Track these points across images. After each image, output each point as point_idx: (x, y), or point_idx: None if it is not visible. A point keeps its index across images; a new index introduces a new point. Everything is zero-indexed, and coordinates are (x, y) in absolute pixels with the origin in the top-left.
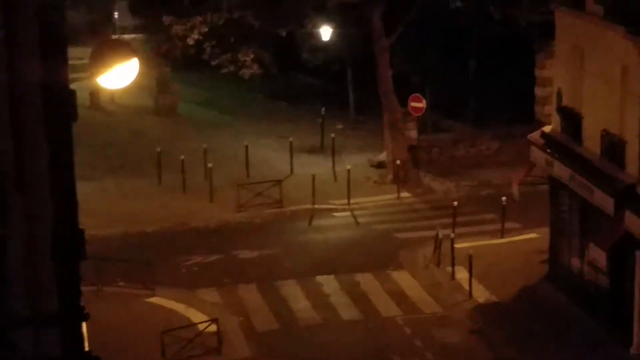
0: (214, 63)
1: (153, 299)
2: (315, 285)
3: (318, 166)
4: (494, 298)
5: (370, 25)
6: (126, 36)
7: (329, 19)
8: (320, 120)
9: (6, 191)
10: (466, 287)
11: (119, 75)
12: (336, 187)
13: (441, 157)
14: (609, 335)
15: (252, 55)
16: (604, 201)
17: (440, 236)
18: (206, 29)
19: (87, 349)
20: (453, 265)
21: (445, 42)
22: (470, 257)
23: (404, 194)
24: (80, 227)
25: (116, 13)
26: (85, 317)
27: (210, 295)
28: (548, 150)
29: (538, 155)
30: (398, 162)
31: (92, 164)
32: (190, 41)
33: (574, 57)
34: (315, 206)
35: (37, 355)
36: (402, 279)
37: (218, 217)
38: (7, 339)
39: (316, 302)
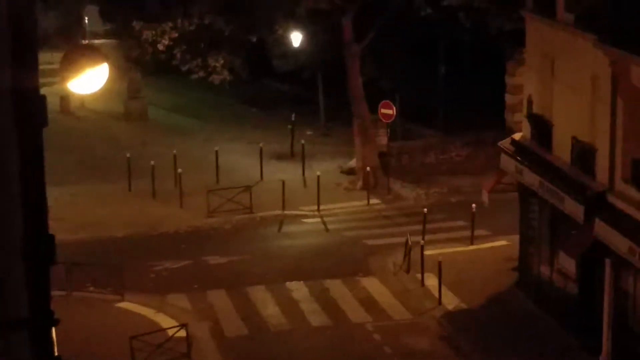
0: (184, 69)
1: (122, 304)
2: (284, 291)
3: (288, 172)
4: (463, 305)
5: (340, 32)
6: (96, 41)
7: (299, 25)
8: (290, 126)
9: None
10: (435, 294)
11: (89, 81)
12: (306, 193)
13: (411, 163)
14: (578, 343)
15: (222, 61)
16: (574, 209)
17: (409, 243)
18: (176, 35)
19: (56, 353)
20: (422, 272)
21: (415, 49)
22: (439, 264)
23: (374, 201)
24: (50, 232)
25: (86, 18)
26: (55, 322)
27: (180, 300)
28: (518, 158)
29: (508, 163)
30: (368, 168)
31: (63, 169)
32: (161, 46)
33: (544, 65)
34: (285, 212)
35: None
36: (372, 285)
37: (188, 222)
38: None
39: (286, 308)
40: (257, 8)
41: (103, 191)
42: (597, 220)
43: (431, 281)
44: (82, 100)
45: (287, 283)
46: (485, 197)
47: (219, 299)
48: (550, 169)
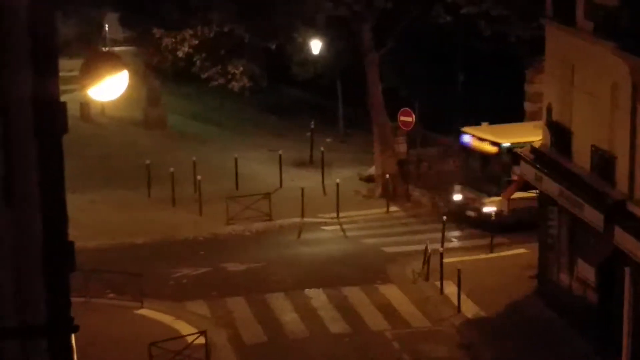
0: (203, 76)
1: (141, 311)
2: (303, 299)
3: (307, 179)
4: (482, 313)
5: (359, 39)
6: (116, 48)
7: (318, 33)
8: (309, 133)
9: None
10: (454, 301)
11: (109, 88)
12: (325, 200)
13: (430, 171)
14: (597, 352)
15: (241, 68)
16: (594, 217)
17: (429, 250)
18: (196, 42)
19: None
20: (442, 279)
21: (434, 57)
22: (459, 271)
23: (393, 208)
24: (70, 239)
25: (106, 25)
26: (75, 329)
27: (199, 307)
28: (537, 166)
29: (527, 171)
30: (387, 176)
31: (82, 176)
32: (180, 54)
33: (563, 73)
34: (304, 219)
35: None
36: (391, 292)
37: (207, 229)
38: None
39: (304, 315)
40: (277, 15)
41: (123, 198)
42: (616, 228)
43: (450, 289)
44: (102, 107)
45: (306, 290)
46: (504, 205)
47: (238, 306)
48: (569, 177)
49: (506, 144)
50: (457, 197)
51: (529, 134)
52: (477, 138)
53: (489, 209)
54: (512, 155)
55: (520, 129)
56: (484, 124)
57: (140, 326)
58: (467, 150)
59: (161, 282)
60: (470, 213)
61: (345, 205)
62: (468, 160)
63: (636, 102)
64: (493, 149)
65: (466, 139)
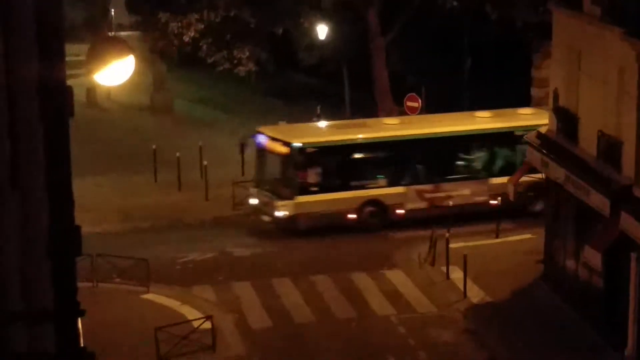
0: (210, 61)
1: (148, 296)
2: (309, 283)
3: None
4: (488, 298)
5: (366, 24)
6: (123, 33)
7: (325, 18)
8: (315, 119)
9: (2, 188)
10: (460, 286)
11: (116, 72)
12: None
13: None
14: (603, 337)
15: (247, 53)
16: (600, 202)
17: (435, 235)
18: (202, 27)
19: (82, 344)
20: (448, 264)
21: (441, 42)
22: (465, 256)
23: None
24: (76, 223)
25: (113, 10)
26: (81, 313)
27: (205, 292)
28: (544, 151)
29: (534, 156)
30: None
31: (89, 161)
32: (187, 38)
33: (570, 58)
34: None
35: (31, 351)
36: (397, 278)
37: (213, 214)
38: (1, 334)
39: (310, 300)
40: (283, 0)
41: (129, 183)
42: (623, 213)
43: (456, 274)
44: (109, 92)
45: (312, 275)
46: (510, 190)
47: (244, 290)
48: (576, 162)
49: (297, 144)
50: (253, 200)
51: (327, 134)
52: (271, 138)
53: (281, 212)
54: (306, 156)
55: (317, 129)
56: (281, 123)
57: (147, 311)
58: (261, 151)
59: (167, 266)
60: (265, 217)
61: None
62: (262, 161)
63: None
64: (285, 150)
65: (260, 139)
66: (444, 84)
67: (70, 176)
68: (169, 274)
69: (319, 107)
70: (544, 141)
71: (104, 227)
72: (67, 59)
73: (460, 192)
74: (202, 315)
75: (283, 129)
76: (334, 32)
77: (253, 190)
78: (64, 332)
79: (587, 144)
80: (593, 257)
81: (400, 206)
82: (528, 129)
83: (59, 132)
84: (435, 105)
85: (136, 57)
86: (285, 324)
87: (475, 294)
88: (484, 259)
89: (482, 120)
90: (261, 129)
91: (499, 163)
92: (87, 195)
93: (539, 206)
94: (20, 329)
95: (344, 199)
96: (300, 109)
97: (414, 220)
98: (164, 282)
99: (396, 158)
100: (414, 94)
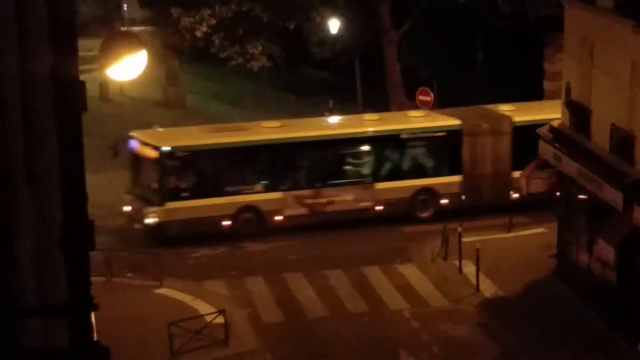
0: (222, 55)
1: (161, 290)
2: (322, 278)
3: None
4: (500, 292)
5: (378, 19)
6: (135, 28)
7: (337, 12)
8: (328, 113)
9: (15, 183)
10: (473, 281)
11: (128, 67)
12: None
13: None
14: (616, 331)
15: (260, 48)
16: (613, 196)
17: (447, 230)
18: (214, 22)
19: (95, 339)
20: (460, 259)
21: (453, 36)
22: (477, 251)
23: None
24: (90, 218)
25: (125, 5)
26: (95, 308)
27: (218, 287)
28: (556, 145)
29: (546, 150)
30: None
31: (101, 155)
32: (199, 33)
33: (583, 51)
34: None
35: (46, 346)
36: (409, 272)
37: None
38: (16, 328)
39: (323, 295)
40: None
41: None
42: (636, 207)
43: (469, 268)
44: (121, 87)
45: (325, 269)
46: (523, 184)
47: (256, 285)
48: (588, 156)
49: (166, 149)
50: (126, 208)
51: (200, 138)
52: (142, 143)
53: (150, 220)
54: (176, 160)
55: (191, 133)
56: (154, 127)
57: (160, 305)
58: (134, 156)
59: (180, 261)
60: (137, 225)
61: None
62: (134, 167)
63: None
64: (154, 154)
65: (133, 144)
66: (456, 77)
67: (83, 171)
68: (182, 269)
69: (331, 102)
70: (557, 135)
71: (117, 221)
72: (80, 54)
73: (342, 198)
74: (215, 310)
75: (155, 134)
76: (346, 27)
77: (126, 197)
78: (78, 327)
79: (600, 138)
80: (606, 251)
81: (278, 212)
82: (416, 131)
83: (72, 127)
84: (447, 99)
85: (148, 52)
86: (298, 319)
87: (488, 289)
88: (497, 253)
89: (368, 123)
90: (133, 133)
91: (385, 168)
92: (100, 190)
93: (428, 212)
94: (34, 324)
95: (217, 205)
96: (313, 103)
97: (294, 228)
98: (177, 277)
99: (274, 163)
100: (426, 87)
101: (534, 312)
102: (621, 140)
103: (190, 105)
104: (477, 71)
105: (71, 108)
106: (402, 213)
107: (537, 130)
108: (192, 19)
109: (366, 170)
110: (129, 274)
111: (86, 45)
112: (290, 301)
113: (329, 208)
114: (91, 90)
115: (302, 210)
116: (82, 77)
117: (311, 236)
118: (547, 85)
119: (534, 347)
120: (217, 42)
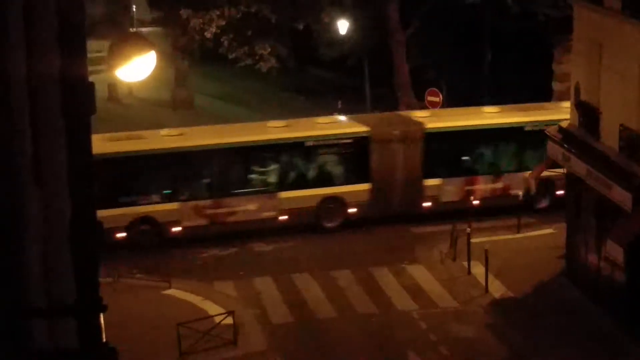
0: (231, 56)
1: (169, 291)
2: (330, 279)
3: None
4: (509, 293)
5: (386, 19)
6: (144, 29)
7: (345, 13)
8: (336, 114)
9: (24, 184)
10: (482, 282)
11: (137, 68)
12: None
13: None
14: (625, 331)
15: (269, 49)
16: (622, 197)
17: (456, 230)
18: (223, 23)
19: (104, 340)
20: (469, 259)
21: (461, 36)
22: (486, 252)
23: None
24: (98, 219)
25: (134, 6)
26: (103, 309)
27: (227, 287)
28: (565, 146)
29: (555, 151)
30: None
31: None
32: (208, 34)
33: (592, 52)
34: None
35: (54, 346)
36: (418, 273)
37: None
38: (24, 329)
39: (331, 295)
40: None
41: None
42: None
43: (478, 269)
44: (130, 88)
45: (333, 270)
46: (532, 185)
47: (265, 286)
48: (597, 157)
49: None
50: None
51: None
52: None
53: None
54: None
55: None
56: None
57: (168, 306)
58: None
59: (189, 262)
60: None
61: None
62: None
63: None
64: None
65: None
66: (465, 78)
67: (92, 172)
68: (191, 270)
69: (340, 102)
70: (565, 135)
71: None
72: (89, 55)
73: (244, 208)
74: (224, 311)
75: None
76: (354, 27)
77: None
78: (86, 327)
79: (609, 138)
80: (615, 251)
81: (176, 224)
82: (322, 139)
83: (80, 128)
84: (456, 99)
85: (157, 53)
86: (307, 319)
87: (497, 289)
88: (506, 254)
89: (271, 130)
90: None
91: (290, 176)
92: None
93: (335, 222)
94: (43, 324)
95: (110, 217)
96: (321, 104)
97: (194, 238)
98: (185, 278)
99: (170, 172)
100: (434, 88)
101: (543, 312)
102: (630, 141)
103: (199, 106)
104: (486, 72)
105: (80, 109)
106: (307, 223)
107: (545, 131)
108: (201, 20)
109: (270, 178)
110: (138, 275)
111: (95, 47)
112: (299, 302)
113: (231, 218)
114: (100, 91)
115: (202, 221)
116: (91, 79)
117: (320, 237)
118: (556, 86)
119: (543, 348)
120: (226, 43)
